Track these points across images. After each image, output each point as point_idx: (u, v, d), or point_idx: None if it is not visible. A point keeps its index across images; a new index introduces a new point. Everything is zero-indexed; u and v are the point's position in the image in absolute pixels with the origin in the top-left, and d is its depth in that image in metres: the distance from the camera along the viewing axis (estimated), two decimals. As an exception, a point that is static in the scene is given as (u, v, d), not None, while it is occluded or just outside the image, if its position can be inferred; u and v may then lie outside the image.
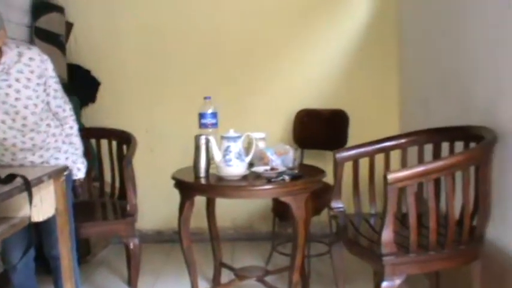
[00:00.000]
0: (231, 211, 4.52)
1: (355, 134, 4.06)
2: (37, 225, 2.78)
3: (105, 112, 4.54)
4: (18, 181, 2.33)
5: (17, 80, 2.69)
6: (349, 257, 3.05)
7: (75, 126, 3.05)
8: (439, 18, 3.63)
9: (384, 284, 2.42)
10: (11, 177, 2.34)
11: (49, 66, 2.83)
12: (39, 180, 2.48)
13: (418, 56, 4.11)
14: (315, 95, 4.56)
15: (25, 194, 2.35)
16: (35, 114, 2.76)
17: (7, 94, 2.67)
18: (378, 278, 2.50)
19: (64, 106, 2.98)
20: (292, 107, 4.49)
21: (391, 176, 2.34)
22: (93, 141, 3.91)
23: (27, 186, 2.33)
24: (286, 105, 4.56)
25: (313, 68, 4.61)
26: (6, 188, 2.23)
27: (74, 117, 3.05)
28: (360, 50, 4.58)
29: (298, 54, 4.61)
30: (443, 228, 2.58)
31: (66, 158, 3.01)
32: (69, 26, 4.57)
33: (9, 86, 2.67)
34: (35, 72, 2.75)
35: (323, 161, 3.90)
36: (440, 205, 2.71)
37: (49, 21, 4.28)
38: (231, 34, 4.61)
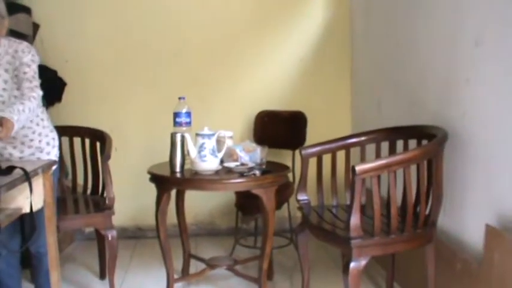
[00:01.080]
0: (193, 208, 4.66)
1: (311, 133, 4.33)
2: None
3: (71, 112, 4.65)
4: (18, 172, 2.49)
5: (6, 71, 2.89)
6: (311, 248, 3.34)
7: (27, 103, 2.79)
8: (390, 25, 3.95)
9: (352, 264, 2.67)
10: (10, 169, 2.50)
11: (29, 57, 2.95)
12: (35, 173, 2.63)
13: (370, 60, 4.43)
14: (275, 97, 4.82)
15: (19, 187, 2.50)
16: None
17: None
18: (346, 260, 2.76)
19: (29, 85, 2.91)
20: (253, 108, 4.73)
21: (358, 168, 2.61)
22: (65, 139, 4.01)
23: (28, 178, 2.50)
24: (247, 106, 4.80)
25: (272, 71, 4.88)
26: (8, 179, 2.38)
27: (34, 98, 2.84)
28: (316, 54, 4.87)
29: (259, 59, 4.86)
30: (399, 216, 2.88)
31: (48, 153, 3.14)
32: (35, 26, 4.66)
33: None
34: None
35: (281, 159, 4.11)
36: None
37: (16, 22, 4.35)
38: (195, 38, 4.82)
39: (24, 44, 2.97)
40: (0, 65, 2.87)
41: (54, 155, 3.17)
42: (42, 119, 3.10)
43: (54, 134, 3.21)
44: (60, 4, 4.76)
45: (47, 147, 3.13)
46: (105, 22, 4.80)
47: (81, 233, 4.89)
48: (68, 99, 4.75)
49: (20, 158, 3.03)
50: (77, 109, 4.70)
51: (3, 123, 2.55)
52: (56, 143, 3.21)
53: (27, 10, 4.57)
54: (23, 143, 3.02)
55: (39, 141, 3.08)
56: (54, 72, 4.69)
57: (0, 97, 2.89)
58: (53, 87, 4.65)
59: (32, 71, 2.91)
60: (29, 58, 2.92)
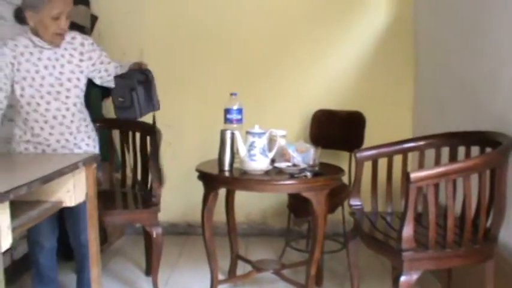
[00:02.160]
0: (245, 206, 4.60)
1: (369, 135, 4.17)
2: (61, 212, 2.91)
3: None
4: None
5: (62, 56, 3.00)
6: (363, 255, 3.18)
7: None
8: (457, 24, 3.73)
9: (402, 278, 2.53)
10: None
11: (89, 41, 3.15)
12: (75, 166, 2.58)
13: (434, 61, 4.21)
14: (333, 96, 4.67)
15: (59, 180, 2.46)
16: (77, 87, 3.03)
17: (54, 66, 2.95)
18: (396, 273, 2.61)
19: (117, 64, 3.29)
20: (310, 107, 4.59)
21: (413, 175, 2.45)
22: (116, 132, 3.99)
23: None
24: (304, 105, 4.66)
25: (331, 70, 4.72)
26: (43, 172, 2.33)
27: None
28: (377, 53, 4.69)
29: (318, 56, 4.71)
30: (457, 228, 2.70)
31: (94, 146, 3.17)
32: (93, 18, 4.66)
33: (57, 60, 2.97)
34: (77, 50, 3.06)
35: (338, 160, 3.98)
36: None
37: (75, 13, 4.36)
38: (254, 34, 4.72)
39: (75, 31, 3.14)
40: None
41: (97, 143, 3.23)
42: (85, 110, 3.18)
43: (93, 126, 3.26)
44: (119, -2, 4.74)
45: (92, 133, 3.21)
46: (163, 16, 4.76)
47: (132, 227, 4.86)
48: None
49: (74, 144, 3.05)
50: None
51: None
52: (96, 136, 3.25)
53: (85, 2, 4.55)
54: (77, 128, 3.07)
55: (86, 125, 3.14)
56: (111, 65, 4.66)
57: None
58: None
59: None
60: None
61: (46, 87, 2.90)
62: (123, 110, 3.03)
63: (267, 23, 4.71)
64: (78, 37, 3.06)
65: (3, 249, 2.00)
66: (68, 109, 2.97)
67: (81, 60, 3.02)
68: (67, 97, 2.96)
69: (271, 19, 4.70)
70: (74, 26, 4.28)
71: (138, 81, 3.05)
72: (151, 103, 3.13)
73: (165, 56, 4.77)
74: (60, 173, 2.41)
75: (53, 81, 2.92)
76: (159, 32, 4.76)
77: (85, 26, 4.46)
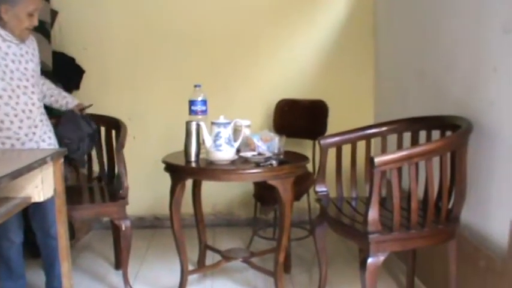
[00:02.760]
0: (212, 197, 4.63)
1: (332, 123, 4.23)
2: (26, 208, 2.89)
3: (88, 99, 4.49)
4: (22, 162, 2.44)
5: (26, 52, 3.07)
6: (330, 240, 3.24)
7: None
8: (414, 12, 3.80)
9: (369, 260, 2.58)
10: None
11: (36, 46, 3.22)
12: (44, 161, 2.58)
13: (394, 50, 4.28)
14: (295, 86, 4.72)
15: (27, 175, 2.45)
16: (37, 85, 3.13)
17: (20, 61, 3.01)
18: (363, 256, 2.66)
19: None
20: (273, 96, 4.63)
21: (377, 159, 2.50)
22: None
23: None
24: (267, 94, 4.70)
25: (294, 59, 4.76)
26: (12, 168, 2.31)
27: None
28: (338, 43, 4.75)
29: (279, 47, 4.75)
30: (420, 210, 2.77)
31: (54, 140, 3.23)
32: (54, 13, 4.62)
33: (22, 55, 3.03)
34: (36, 50, 3.18)
35: (302, 149, 4.02)
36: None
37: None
38: (215, 26, 4.73)
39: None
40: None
41: (54, 142, 3.24)
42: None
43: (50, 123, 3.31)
44: (79, -10, 4.71)
45: (51, 127, 3.26)
46: (124, 9, 4.73)
47: (99, 222, 4.85)
48: (86, 86, 4.71)
49: (39, 136, 3.11)
50: (95, 97, 4.56)
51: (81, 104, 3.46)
52: (52, 132, 3.29)
53: (45, -4, 4.51)
54: (41, 121, 3.14)
55: (46, 119, 3.22)
56: (72, 60, 4.66)
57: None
58: (70, 74, 4.64)
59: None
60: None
61: (16, 81, 2.95)
62: (68, 149, 3.13)
63: (230, 15, 4.72)
64: (34, 39, 3.20)
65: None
66: (33, 104, 3.03)
67: (37, 64, 3.16)
68: (32, 92, 3.04)
69: (234, 11, 4.72)
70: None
71: (87, 134, 3.43)
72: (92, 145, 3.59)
73: (126, 49, 4.76)
74: (28, 168, 2.40)
75: (20, 75, 2.98)
76: (119, 26, 4.73)
77: (45, 21, 4.42)
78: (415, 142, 3.24)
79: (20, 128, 2.97)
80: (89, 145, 3.48)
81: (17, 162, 2.50)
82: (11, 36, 2.92)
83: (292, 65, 4.76)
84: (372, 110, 4.78)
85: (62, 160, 2.84)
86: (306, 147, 4.27)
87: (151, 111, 4.79)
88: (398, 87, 4.15)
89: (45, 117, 3.18)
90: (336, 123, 4.16)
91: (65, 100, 3.43)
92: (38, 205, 2.75)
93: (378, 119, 4.49)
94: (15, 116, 2.95)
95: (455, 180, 2.77)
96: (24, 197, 2.62)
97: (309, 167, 3.58)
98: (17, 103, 2.95)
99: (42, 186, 2.66)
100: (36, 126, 3.06)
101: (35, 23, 2.96)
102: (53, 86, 3.43)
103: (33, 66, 3.07)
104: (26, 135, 3.01)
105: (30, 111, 3.01)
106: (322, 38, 4.77)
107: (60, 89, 3.48)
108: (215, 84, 4.40)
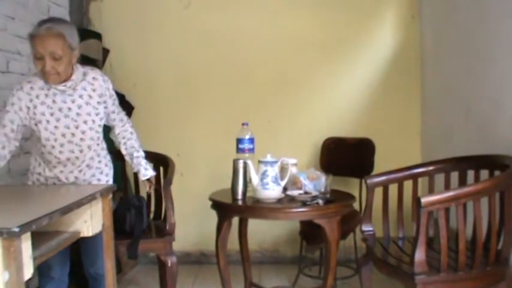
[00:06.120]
0: (258, 234, 4.63)
1: (379, 161, 4.22)
2: (75, 243, 2.92)
3: (138, 135, 4.70)
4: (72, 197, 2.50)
5: (80, 97, 2.93)
6: (376, 280, 3.22)
7: (134, 132, 3.37)
8: (462, 49, 3.80)
9: (416, 301, 2.57)
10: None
11: (110, 86, 3.09)
12: (93, 197, 2.63)
13: (440, 87, 4.27)
14: (342, 124, 4.72)
15: (77, 210, 2.51)
16: (92, 130, 2.98)
17: (70, 109, 2.90)
18: (409, 297, 2.64)
19: (122, 116, 3.28)
20: (319, 134, 4.64)
21: (424, 200, 2.50)
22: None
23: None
24: (313, 132, 4.72)
25: (340, 97, 4.78)
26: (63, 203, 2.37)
27: (131, 124, 3.38)
28: (384, 80, 4.75)
29: (326, 84, 4.79)
30: (468, 251, 2.74)
31: (107, 181, 3.19)
32: (105, 52, 4.77)
33: (73, 101, 2.91)
34: (97, 91, 3.00)
35: (348, 187, 4.02)
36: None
37: (87, 47, 4.48)
38: (262, 64, 4.79)
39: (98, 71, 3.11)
40: (75, 91, 2.95)
41: (111, 176, 3.22)
42: (102, 141, 3.16)
43: (109, 157, 3.27)
44: (129, 30, 4.86)
45: (106, 168, 3.19)
46: (172, 47, 4.85)
47: (145, 257, 4.89)
48: (135, 122, 4.67)
49: (84, 180, 3.07)
50: (144, 133, 4.61)
51: (152, 180, 3.38)
52: (112, 165, 3.27)
53: (98, 36, 4.68)
54: (87, 165, 3.07)
55: (99, 161, 3.13)
56: (122, 96, 4.73)
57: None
58: (121, 110, 4.71)
59: (117, 101, 3.23)
60: (111, 87, 3.13)
61: (61, 129, 2.90)
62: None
63: (276, 54, 4.78)
64: (100, 78, 3.03)
65: (26, 278, 2.04)
66: (81, 151, 2.98)
67: (98, 103, 3.00)
68: (81, 139, 2.96)
69: (280, 50, 4.78)
70: (87, 60, 4.41)
71: (132, 205, 3.48)
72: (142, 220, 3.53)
73: (174, 86, 4.86)
74: (78, 204, 2.45)
75: (69, 123, 2.91)
76: (168, 63, 4.85)
77: (97, 59, 4.57)
78: (462, 182, 3.22)
79: (61, 172, 3.00)
80: (136, 217, 3.46)
81: (67, 197, 2.56)
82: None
83: (338, 103, 4.78)
84: (418, 148, 4.75)
85: (110, 196, 2.90)
86: (352, 185, 4.26)
87: (199, 147, 4.85)
88: (445, 125, 4.13)
89: (98, 158, 3.11)
90: (382, 161, 4.16)
91: (138, 167, 3.33)
92: (86, 239, 2.78)
93: (425, 157, 4.47)
94: (59, 163, 2.96)
95: (505, 220, 2.74)
96: (73, 232, 2.66)
97: (355, 205, 3.57)
98: (60, 152, 2.93)
99: (91, 221, 2.70)
100: (80, 171, 3.04)
101: (48, 67, 2.74)
102: (131, 137, 3.35)
103: (89, 109, 2.95)
104: (67, 178, 3.01)
105: (77, 158, 2.98)
106: (368, 76, 4.78)
107: (137, 149, 3.35)
108: (261, 122, 4.46)
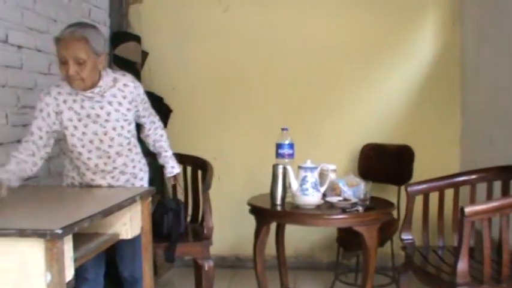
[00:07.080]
0: (294, 240, 4.59)
1: (417, 168, 4.16)
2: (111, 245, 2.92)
3: (175, 138, 4.65)
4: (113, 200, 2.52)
5: (109, 103, 2.88)
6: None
7: (164, 134, 3.39)
8: (504, 55, 3.73)
9: (457, 313, 2.53)
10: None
11: (141, 91, 3.04)
12: (133, 200, 2.65)
13: (482, 93, 4.20)
14: (381, 130, 4.68)
15: (117, 213, 2.51)
16: (121, 136, 2.93)
17: (98, 115, 2.85)
18: (450, 308, 2.60)
19: (153, 119, 3.30)
20: (357, 141, 4.61)
21: (468, 210, 2.46)
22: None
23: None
24: (352, 139, 4.69)
25: (379, 103, 4.74)
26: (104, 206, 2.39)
27: (162, 126, 3.41)
28: (423, 86, 4.69)
29: (365, 90, 4.75)
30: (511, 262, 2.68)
31: (141, 185, 3.16)
32: (144, 54, 4.80)
33: (102, 108, 2.86)
34: (127, 98, 2.94)
35: (385, 194, 3.96)
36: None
37: (126, 50, 4.55)
38: (301, 67, 4.76)
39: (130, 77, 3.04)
40: (104, 97, 2.89)
41: (146, 181, 3.21)
42: (135, 146, 3.12)
43: (145, 160, 3.25)
44: (168, 33, 4.87)
45: (140, 172, 3.17)
46: (211, 50, 4.84)
47: (181, 260, 4.90)
48: (173, 125, 4.80)
49: (118, 186, 3.04)
50: (182, 136, 4.70)
51: (178, 178, 3.50)
52: (147, 168, 3.25)
53: (137, 39, 4.71)
54: (120, 171, 3.04)
55: (133, 167, 3.10)
56: (160, 99, 4.77)
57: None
58: (159, 113, 4.72)
59: (148, 104, 3.22)
60: (143, 92, 3.09)
61: (89, 136, 2.86)
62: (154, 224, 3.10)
63: (316, 58, 4.75)
64: (131, 85, 2.96)
65: (67, 279, 2.05)
66: (109, 157, 2.94)
67: (128, 110, 2.95)
68: (110, 146, 2.91)
69: (320, 54, 4.75)
70: (126, 62, 4.45)
71: (170, 208, 3.47)
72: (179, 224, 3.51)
73: (213, 89, 4.86)
74: (119, 207, 2.47)
75: (97, 129, 2.86)
76: (207, 66, 4.85)
77: (136, 62, 4.61)
78: (506, 192, 3.16)
79: (92, 180, 2.98)
80: (174, 220, 3.45)
81: (106, 199, 2.59)
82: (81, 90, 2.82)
83: (377, 110, 4.74)
84: (458, 156, 4.67)
85: (150, 199, 2.91)
86: (390, 192, 4.21)
87: (237, 151, 4.85)
88: (485, 133, 4.05)
89: (132, 164, 3.08)
90: (420, 168, 4.11)
91: (165, 165, 3.41)
92: (122, 242, 2.79)
93: (464, 165, 4.40)
94: (87, 169, 2.95)
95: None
96: (112, 234, 2.68)
97: (393, 212, 3.54)
98: (88, 158, 2.90)
99: (130, 224, 2.71)
100: (112, 177, 3.01)
101: (71, 72, 2.67)
102: (161, 139, 3.36)
103: (117, 116, 2.89)
104: (100, 185, 2.99)
105: (105, 164, 2.94)
106: (408, 82, 4.72)
107: (166, 149, 3.39)
108: (300, 127, 4.42)
